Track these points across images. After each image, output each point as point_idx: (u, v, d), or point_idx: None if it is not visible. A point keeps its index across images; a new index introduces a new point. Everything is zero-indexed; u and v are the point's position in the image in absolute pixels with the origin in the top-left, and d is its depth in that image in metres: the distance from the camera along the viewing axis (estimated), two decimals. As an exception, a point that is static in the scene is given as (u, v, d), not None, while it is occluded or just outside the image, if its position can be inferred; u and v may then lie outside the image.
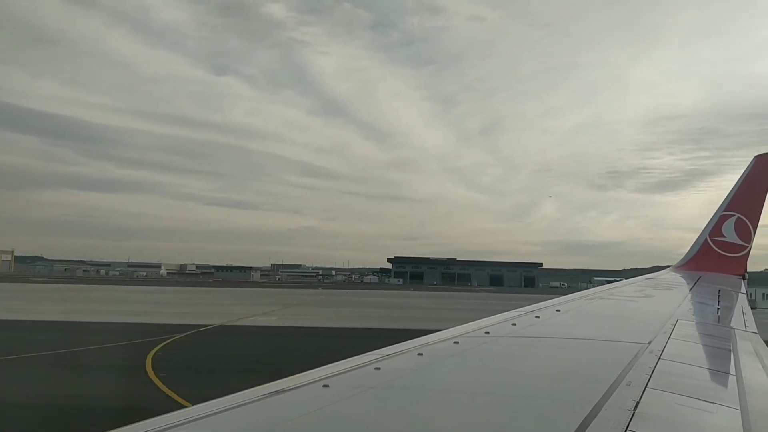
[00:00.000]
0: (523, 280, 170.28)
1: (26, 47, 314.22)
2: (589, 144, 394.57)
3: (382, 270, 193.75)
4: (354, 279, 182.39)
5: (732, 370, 3.71)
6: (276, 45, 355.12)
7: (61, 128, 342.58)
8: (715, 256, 11.78)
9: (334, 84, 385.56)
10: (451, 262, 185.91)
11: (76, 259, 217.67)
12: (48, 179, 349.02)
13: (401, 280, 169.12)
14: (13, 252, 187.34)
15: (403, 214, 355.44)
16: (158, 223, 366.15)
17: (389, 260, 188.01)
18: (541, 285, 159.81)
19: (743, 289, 9.99)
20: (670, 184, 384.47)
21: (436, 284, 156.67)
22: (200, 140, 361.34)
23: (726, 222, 11.82)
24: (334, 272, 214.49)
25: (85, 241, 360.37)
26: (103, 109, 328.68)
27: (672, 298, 7.99)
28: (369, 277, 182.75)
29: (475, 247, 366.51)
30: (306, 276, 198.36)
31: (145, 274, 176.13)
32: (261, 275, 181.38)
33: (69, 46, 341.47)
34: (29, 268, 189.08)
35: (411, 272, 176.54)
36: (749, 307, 7.84)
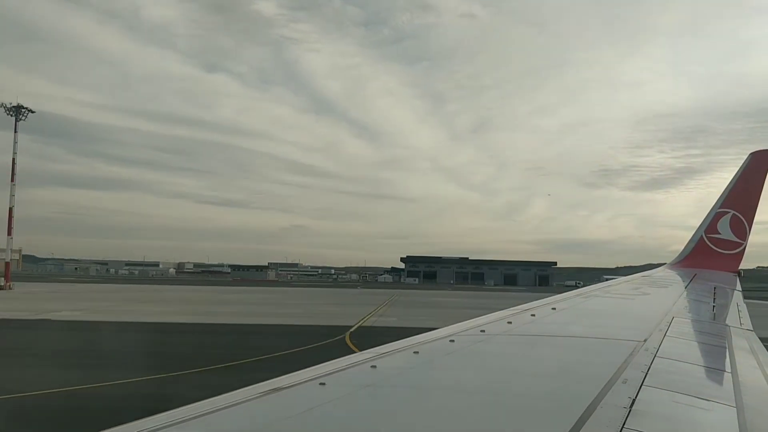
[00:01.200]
0: (537, 279, 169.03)
1: (15, 44, 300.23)
2: (580, 142, 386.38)
3: (394, 269, 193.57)
4: (368, 278, 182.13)
5: (728, 368, 3.67)
6: (266, 42, 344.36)
7: (51, 126, 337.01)
8: (710, 253, 11.60)
9: (325, 82, 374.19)
10: (464, 261, 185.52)
11: (68, 258, 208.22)
12: (37, 177, 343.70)
13: (416, 279, 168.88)
14: (20, 251, 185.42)
15: (395, 213, 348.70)
16: (149, 221, 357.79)
17: (402, 259, 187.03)
18: (555, 284, 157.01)
19: (738, 286, 9.85)
20: (661, 182, 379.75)
21: (452, 283, 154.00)
22: (190, 138, 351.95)
23: (721, 219, 11.66)
24: (333, 271, 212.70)
25: (75, 239, 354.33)
26: (92, 107, 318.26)
27: (667, 296, 7.85)
28: (384, 276, 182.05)
29: (468, 246, 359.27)
30: (308, 275, 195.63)
31: (154, 273, 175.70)
32: (276, 274, 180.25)
33: (59, 43, 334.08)
34: (40, 268, 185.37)
35: (424, 271, 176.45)
36: (744, 304, 7.71)
